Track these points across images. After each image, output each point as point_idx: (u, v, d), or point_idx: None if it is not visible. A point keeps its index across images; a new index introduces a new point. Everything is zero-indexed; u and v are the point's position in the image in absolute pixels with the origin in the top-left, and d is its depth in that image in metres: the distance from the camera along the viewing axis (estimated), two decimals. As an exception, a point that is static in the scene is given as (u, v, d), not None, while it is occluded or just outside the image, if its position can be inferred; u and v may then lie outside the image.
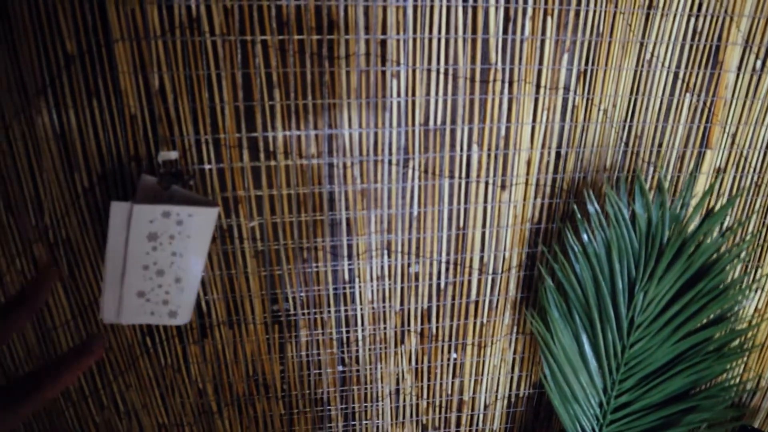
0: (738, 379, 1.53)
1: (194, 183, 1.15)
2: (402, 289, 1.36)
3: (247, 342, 1.35)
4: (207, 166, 1.16)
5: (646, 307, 1.17)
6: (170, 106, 1.11)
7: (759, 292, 1.50)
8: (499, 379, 1.53)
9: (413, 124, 1.21)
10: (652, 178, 1.35)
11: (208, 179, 1.17)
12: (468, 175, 1.27)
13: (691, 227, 1.16)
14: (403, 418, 1.53)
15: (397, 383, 1.48)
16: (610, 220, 1.16)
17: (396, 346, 1.42)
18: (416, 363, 1.46)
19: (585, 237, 1.20)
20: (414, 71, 1.16)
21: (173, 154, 1.12)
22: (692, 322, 1.16)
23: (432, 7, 1.12)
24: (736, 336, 1.17)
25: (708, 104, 1.31)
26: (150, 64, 1.07)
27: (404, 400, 1.51)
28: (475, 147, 1.25)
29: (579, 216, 1.20)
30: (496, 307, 1.42)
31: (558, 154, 1.30)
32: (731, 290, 1.15)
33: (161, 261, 1.09)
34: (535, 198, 1.33)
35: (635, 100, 1.30)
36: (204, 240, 1.10)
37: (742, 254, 1.25)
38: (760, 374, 1.60)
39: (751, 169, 1.38)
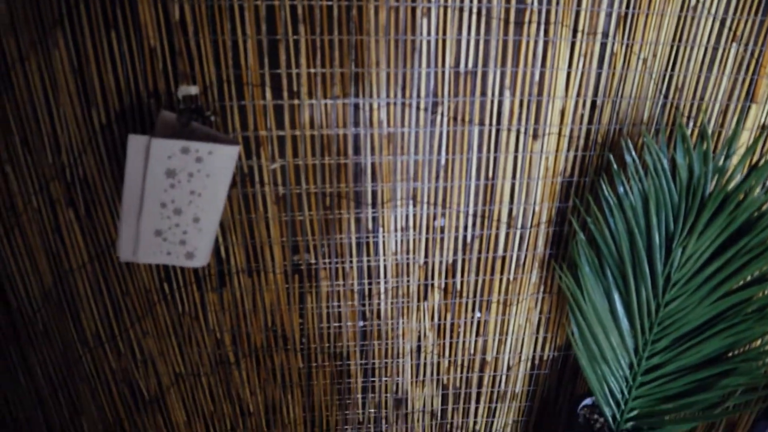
0: None
1: (215, 120, 1.10)
2: (426, 241, 1.30)
3: (266, 291, 1.30)
4: (228, 104, 1.10)
5: (684, 264, 1.09)
6: (191, 40, 1.05)
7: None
8: (523, 339, 1.47)
9: (443, 66, 1.14)
10: (691, 133, 1.27)
11: (228, 117, 1.11)
12: (499, 123, 1.20)
13: (734, 181, 1.07)
14: (423, 376, 1.48)
15: (419, 340, 1.42)
16: (649, 171, 1.09)
17: (419, 300, 1.37)
18: (439, 320, 1.40)
19: (621, 189, 1.12)
20: (445, 9, 1.09)
21: (193, 89, 1.06)
22: (733, 280, 1.08)
23: (467, -60, 1.04)
24: (778, 296, 1.10)
25: (756, 55, 1.22)
26: (170, -6, 1.01)
27: (425, 358, 1.45)
28: (507, 93, 1.17)
29: (615, 167, 1.12)
30: (524, 263, 1.36)
31: (593, 104, 1.22)
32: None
33: (179, 199, 1.03)
34: (568, 150, 1.25)
35: (677, 48, 1.21)
36: (224, 180, 1.04)
37: None
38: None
39: (798, 126, 1.29)
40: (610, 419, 1.26)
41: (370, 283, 1.32)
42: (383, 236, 1.27)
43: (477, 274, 1.36)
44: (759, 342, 1.30)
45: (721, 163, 1.08)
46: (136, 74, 1.06)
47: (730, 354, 1.17)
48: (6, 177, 1.11)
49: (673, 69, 1.23)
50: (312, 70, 1.09)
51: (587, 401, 1.37)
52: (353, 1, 1.05)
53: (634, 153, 1.11)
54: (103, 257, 1.21)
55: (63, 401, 1.35)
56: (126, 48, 1.04)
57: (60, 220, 1.16)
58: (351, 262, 1.29)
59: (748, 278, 1.12)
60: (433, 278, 1.34)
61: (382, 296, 1.34)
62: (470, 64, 1.14)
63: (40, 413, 1.35)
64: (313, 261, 1.28)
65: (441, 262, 1.33)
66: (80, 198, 1.15)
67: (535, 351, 1.49)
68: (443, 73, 1.14)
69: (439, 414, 1.54)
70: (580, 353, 1.23)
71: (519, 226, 1.31)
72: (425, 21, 1.10)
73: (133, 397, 1.37)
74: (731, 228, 1.06)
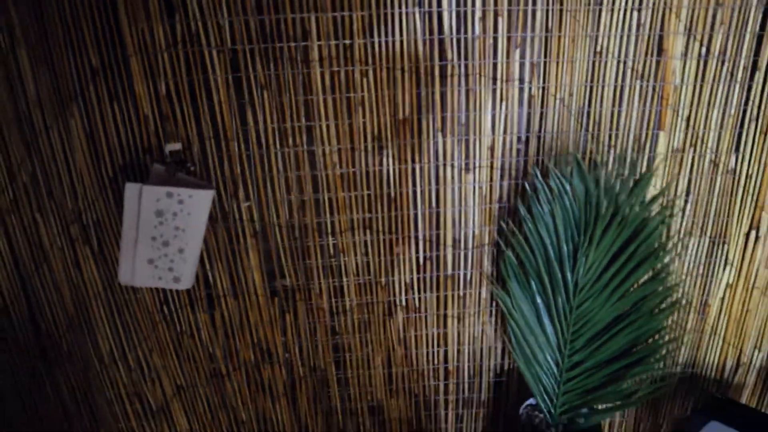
0: (676, 333, 1.72)
1: (195, 169, 1.47)
2: (384, 263, 1.63)
3: (251, 312, 1.65)
4: (209, 155, 1.47)
5: (588, 270, 1.40)
6: (176, 107, 1.43)
7: (729, 268, 1.70)
8: (481, 349, 1.77)
9: (384, 116, 1.49)
10: (607, 157, 1.58)
11: (210, 166, 1.49)
12: (436, 160, 1.54)
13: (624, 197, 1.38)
14: (394, 385, 1.79)
15: (388, 352, 1.75)
16: (554, 194, 1.41)
17: (384, 315, 1.69)
18: (404, 332, 1.73)
19: (536, 210, 1.44)
20: (381, 70, 1.45)
21: (177, 146, 1.44)
22: (628, 282, 1.39)
23: (393, 15, 1.40)
24: (667, 294, 1.39)
25: (657, 89, 1.53)
26: (158, 73, 1.40)
27: (395, 369, 1.77)
28: (439, 135, 1.52)
29: (529, 192, 1.45)
30: (470, 280, 1.68)
31: (520, 140, 1.55)
32: (660, 251, 1.37)
33: (166, 234, 1.40)
34: (502, 180, 1.58)
35: (591, 88, 1.53)
36: (202, 217, 1.41)
37: (666, 219, 1.45)
38: (740, 349, 1.78)
39: (708, 149, 1.59)
40: (547, 414, 1.56)
41: (337, 302, 1.66)
42: (344, 260, 1.61)
43: (432, 291, 1.68)
44: (657, 336, 1.57)
45: (611, 183, 1.39)
46: (134, 136, 1.45)
47: (636, 348, 1.45)
48: (36, 222, 1.50)
49: (589, 106, 1.55)
50: (275, 125, 1.46)
51: (531, 401, 1.66)
52: (303, 69, 1.42)
53: (541, 179, 1.44)
54: (115, 286, 1.59)
55: (85, 414, 1.72)
56: (126, 116, 1.43)
57: (79, 256, 1.55)
58: (320, 283, 1.64)
59: (641, 281, 1.41)
60: (395, 295, 1.67)
61: (348, 312, 1.68)
62: (406, 113, 1.49)
63: (67, 425, 1.72)
64: (287, 284, 1.63)
65: (400, 281, 1.66)
66: (94, 237, 1.53)
67: (495, 360, 1.79)
68: (384, 121, 1.49)
69: (414, 422, 1.85)
70: (517, 357, 1.54)
71: (462, 247, 1.63)
72: (365, 80, 1.46)
73: (142, 407, 1.74)
74: (622, 237, 1.37)
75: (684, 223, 1.64)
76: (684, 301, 1.69)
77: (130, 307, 1.62)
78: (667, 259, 1.39)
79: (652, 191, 1.58)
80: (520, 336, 1.52)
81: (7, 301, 1.57)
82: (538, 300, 1.48)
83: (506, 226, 1.60)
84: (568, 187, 1.40)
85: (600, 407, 1.56)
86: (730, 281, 1.72)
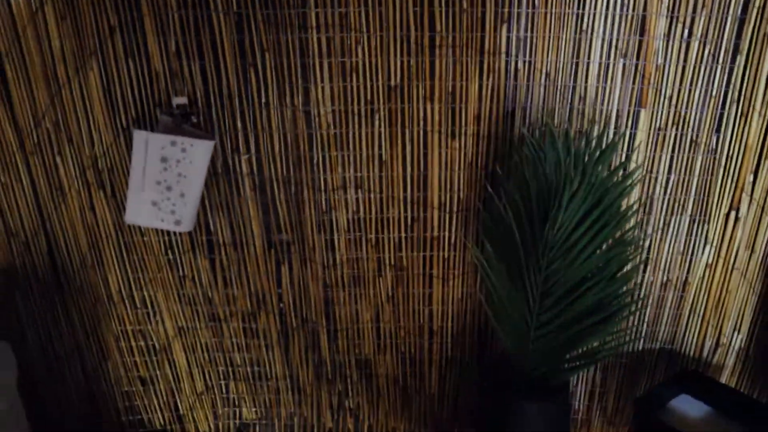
0: (637, 295, 1.82)
1: (199, 122, 1.62)
2: (374, 220, 1.76)
3: (249, 262, 1.80)
4: (214, 111, 1.62)
5: (558, 230, 1.49)
6: (185, 64, 1.59)
7: (709, 247, 1.77)
8: (465, 310, 1.88)
9: (377, 81, 1.61)
10: (589, 131, 1.67)
11: (215, 121, 1.63)
12: (425, 125, 1.66)
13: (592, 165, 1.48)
14: (382, 341, 1.92)
15: (377, 308, 1.87)
16: (529, 160, 1.51)
17: (374, 272, 1.82)
18: (393, 289, 1.85)
19: (512, 175, 1.55)
20: (375, 37, 1.57)
21: (183, 99, 1.60)
22: (594, 243, 1.48)
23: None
24: (630, 258, 1.47)
25: (640, 68, 1.62)
26: (169, 33, 1.56)
27: (383, 324, 1.89)
28: (428, 102, 1.63)
29: (507, 158, 1.55)
30: (455, 242, 1.79)
31: (506, 110, 1.66)
32: (624, 216, 1.46)
33: (170, 179, 1.55)
34: (487, 147, 1.69)
35: (576, 64, 1.63)
36: (203, 165, 1.56)
37: (628, 187, 1.55)
38: (720, 330, 1.85)
39: (689, 129, 1.66)
40: (520, 372, 1.66)
41: (329, 256, 1.80)
42: (335, 216, 1.75)
43: (419, 251, 1.80)
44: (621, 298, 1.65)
45: (581, 151, 1.49)
46: (146, 89, 1.61)
47: (602, 309, 1.55)
48: (56, 165, 1.67)
49: (574, 81, 1.64)
50: (274, 85, 1.61)
51: (506, 359, 1.77)
52: (302, 34, 1.56)
53: (519, 147, 1.54)
54: (125, 229, 1.75)
55: (94, 346, 1.89)
56: (140, 71, 1.59)
57: (93, 199, 1.72)
58: (313, 237, 1.77)
59: (606, 244, 1.51)
60: (383, 253, 1.80)
61: (339, 267, 1.81)
62: (397, 79, 1.62)
63: (77, 355, 1.90)
64: (284, 236, 1.77)
65: (389, 240, 1.78)
66: (108, 182, 1.70)
67: (480, 321, 1.90)
68: (377, 86, 1.62)
69: (400, 378, 1.97)
70: (492, 315, 1.64)
71: (448, 210, 1.75)
72: (359, 47, 1.58)
73: (146, 344, 1.90)
74: (588, 202, 1.47)
75: (665, 200, 1.73)
76: (659, 275, 1.78)
77: (138, 249, 1.78)
78: (630, 224, 1.48)
79: (632, 165, 1.67)
80: (495, 295, 1.62)
81: (28, 237, 1.75)
82: (512, 260, 1.59)
83: (485, 190, 1.71)
84: (541, 155, 1.50)
85: (568, 365, 1.66)
86: (710, 261, 1.80)
